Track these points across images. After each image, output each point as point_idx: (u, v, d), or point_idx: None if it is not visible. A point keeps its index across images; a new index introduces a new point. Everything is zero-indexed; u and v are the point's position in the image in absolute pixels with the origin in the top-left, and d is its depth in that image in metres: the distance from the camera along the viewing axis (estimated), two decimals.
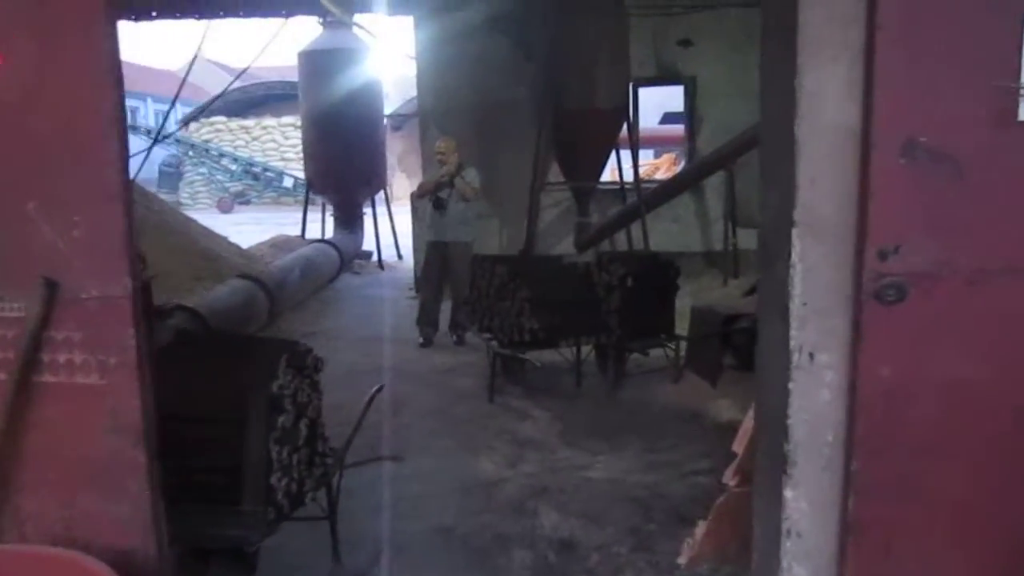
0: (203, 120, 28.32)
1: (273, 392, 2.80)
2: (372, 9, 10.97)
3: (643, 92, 10.87)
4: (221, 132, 28.09)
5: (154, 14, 11.67)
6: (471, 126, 10.61)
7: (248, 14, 11.63)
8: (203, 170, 27.59)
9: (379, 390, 4.07)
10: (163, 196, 28.20)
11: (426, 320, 7.48)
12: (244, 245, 11.83)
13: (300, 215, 13.08)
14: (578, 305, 5.44)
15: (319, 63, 11.77)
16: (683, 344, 5.97)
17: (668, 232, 10.54)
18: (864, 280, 1.82)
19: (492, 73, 10.47)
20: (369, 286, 10.99)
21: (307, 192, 12.84)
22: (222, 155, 27.30)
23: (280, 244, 11.65)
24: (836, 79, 1.81)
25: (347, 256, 11.51)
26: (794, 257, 1.88)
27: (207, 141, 27.68)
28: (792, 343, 1.90)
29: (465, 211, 7.39)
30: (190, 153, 27.70)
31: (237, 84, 31.14)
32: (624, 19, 9.31)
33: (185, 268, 7.46)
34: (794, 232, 1.87)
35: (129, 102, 26.02)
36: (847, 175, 1.83)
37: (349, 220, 12.45)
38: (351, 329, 8.23)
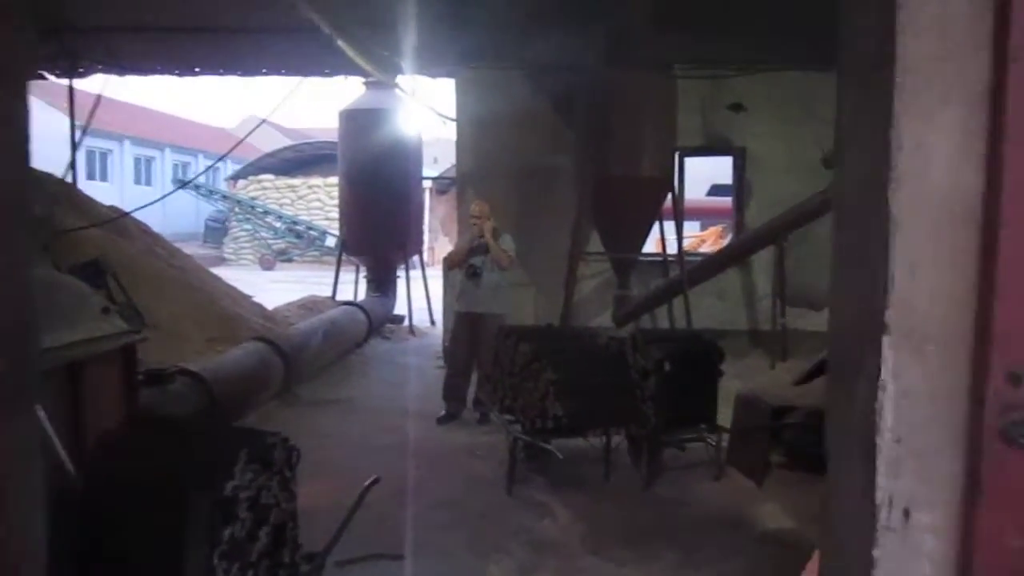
0: (251, 178, 28.67)
1: (224, 496, 2.32)
2: (414, 71, 10.73)
3: (691, 162, 10.43)
4: (268, 190, 28.32)
5: (197, 70, 11.63)
6: (510, 191, 10.28)
7: (291, 72, 11.53)
8: (248, 226, 27.72)
9: (374, 482, 3.56)
10: (207, 250, 28.84)
11: (452, 394, 6.99)
12: (280, 302, 11.54)
13: (350, 276, 12.77)
14: (609, 390, 4.89)
15: (358, 122, 11.59)
16: (725, 436, 5.39)
17: (712, 309, 10.00)
18: (986, 411, 1.29)
19: (533, 137, 10.16)
20: (398, 352, 10.55)
21: (339, 253, 12.55)
22: (267, 212, 27.43)
23: (309, 305, 11.31)
24: (948, 130, 1.31)
25: (377, 320, 11.12)
26: (884, 375, 1.35)
27: (254, 198, 27.86)
28: (879, 494, 1.36)
29: (500, 281, 6.96)
30: (236, 209, 27.88)
31: (287, 143, 31.82)
32: (672, 84, 8.94)
33: (199, 328, 7.09)
34: (885, 340, 1.35)
35: (181, 157, 26.33)
36: (963, 263, 1.32)
37: (382, 283, 12.11)
38: (372, 398, 7.76)
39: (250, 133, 8.07)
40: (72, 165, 11.63)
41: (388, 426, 6.67)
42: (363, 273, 12.72)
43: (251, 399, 6.47)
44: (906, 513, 1.36)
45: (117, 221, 8.01)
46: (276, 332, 7.68)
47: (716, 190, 21.04)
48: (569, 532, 4.49)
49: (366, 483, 3.65)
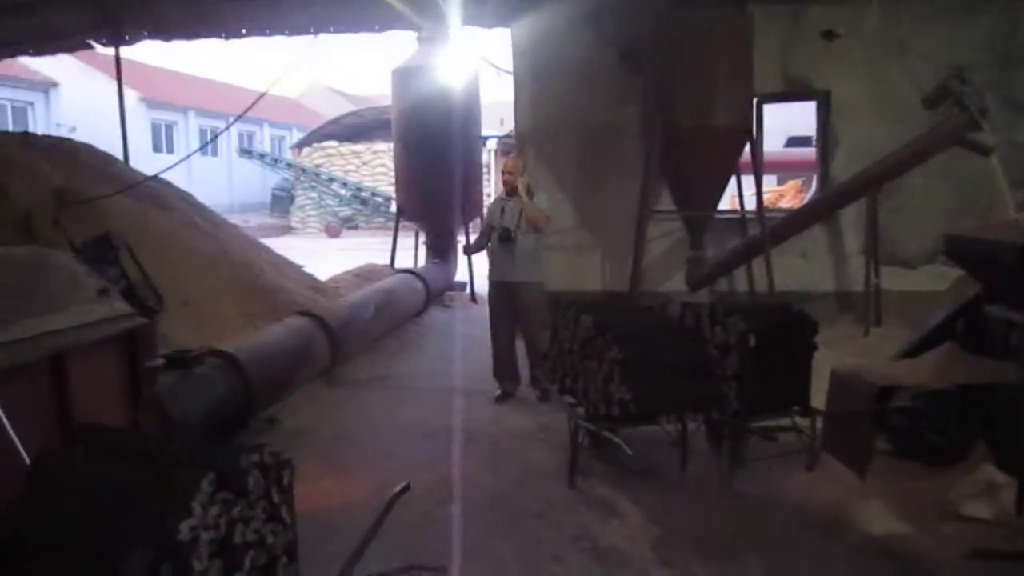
0: (315, 145, 28.46)
1: (176, 542, 1.76)
2: (466, 20, 10.05)
3: (766, 111, 9.51)
4: (332, 157, 28.09)
5: (243, 31, 11.18)
6: (572, 147, 9.61)
7: (339, 29, 11.00)
8: (313, 194, 27.56)
9: (404, 490, 2.99)
10: (274, 219, 28.82)
11: (503, 372, 6.41)
12: (344, 270, 11.11)
13: (410, 241, 12.30)
14: (684, 370, 4.21)
15: (411, 81, 10.97)
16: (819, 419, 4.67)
17: (795, 269, 9.17)
18: None
19: (595, 89, 9.42)
20: (458, 322, 10.00)
21: (397, 218, 12.03)
22: (332, 180, 27.21)
23: (365, 274, 10.84)
24: None
25: (436, 288, 10.59)
26: None
27: (318, 166, 27.65)
28: None
29: (535, 246, 6.27)
30: (301, 178, 27.73)
31: (351, 108, 31.48)
32: (747, 21, 8.07)
33: (237, 304, 6.64)
34: None
35: (246, 127, 26.21)
36: None
37: (442, 249, 11.56)
38: (426, 375, 7.23)
39: (260, 96, 7.53)
40: (123, 136, 11.37)
41: (440, 407, 6.13)
42: (422, 239, 12.21)
43: (291, 379, 6.00)
44: None
45: (156, 192, 7.59)
46: (323, 305, 7.20)
47: (793, 142, 19.92)
48: (639, 538, 3.87)
49: (395, 490, 3.09)
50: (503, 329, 6.36)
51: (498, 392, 6.40)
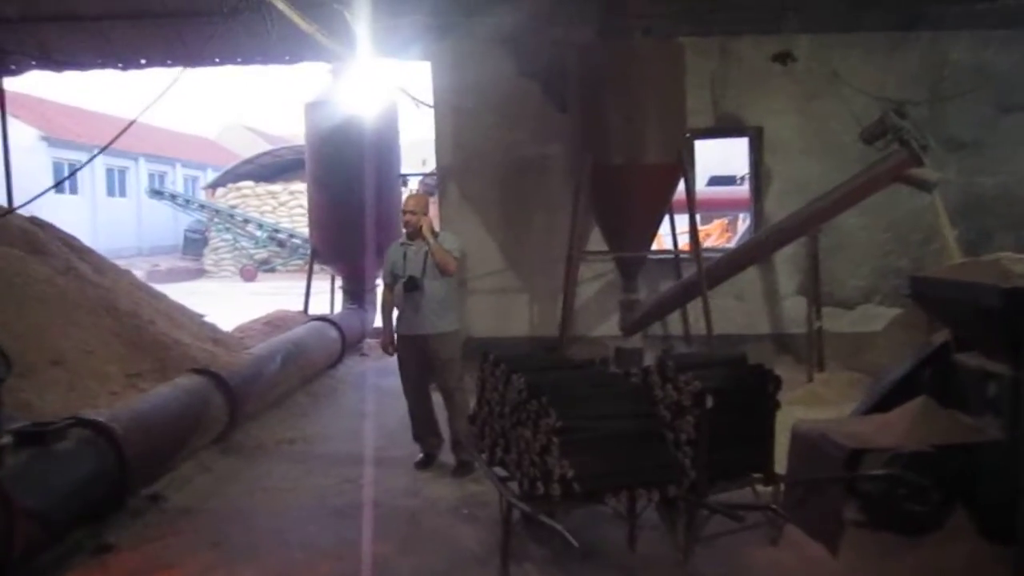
0: (231, 185, 27.42)
1: None
2: (383, 52, 9.48)
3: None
4: (248, 197, 27.08)
5: (143, 62, 10.38)
6: (497, 185, 9.11)
7: (246, 61, 10.30)
8: (228, 236, 26.43)
9: None
10: (187, 262, 27.51)
11: (423, 433, 5.73)
12: (254, 317, 10.26)
13: (326, 284, 11.53)
14: (634, 438, 3.64)
15: (323, 115, 10.31)
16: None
17: (730, 311, 8.83)
18: None
19: (520, 124, 8.96)
20: (376, 372, 9.25)
21: (311, 261, 11.28)
22: (247, 221, 26.14)
23: (276, 321, 10.03)
24: None
25: (353, 335, 9.87)
26: None
27: (233, 207, 26.56)
28: None
29: (446, 292, 5.60)
30: (215, 219, 26.57)
31: (267, 148, 30.51)
32: (678, 53, 7.70)
33: (120, 362, 5.82)
34: None
35: (158, 167, 24.94)
36: None
37: (358, 294, 10.83)
38: (338, 437, 6.49)
39: (130, 124, 6.80)
40: (7, 173, 10.39)
41: (352, 476, 5.40)
42: (339, 283, 11.46)
43: (179, 448, 5.22)
44: None
45: (34, 238, 6.74)
46: (222, 360, 6.42)
47: (714, 181, 19.89)
48: None
49: None
50: (417, 387, 5.70)
51: (419, 456, 5.71)
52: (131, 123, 6.69)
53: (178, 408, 5.32)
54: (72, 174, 25.49)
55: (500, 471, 4.07)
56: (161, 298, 7.52)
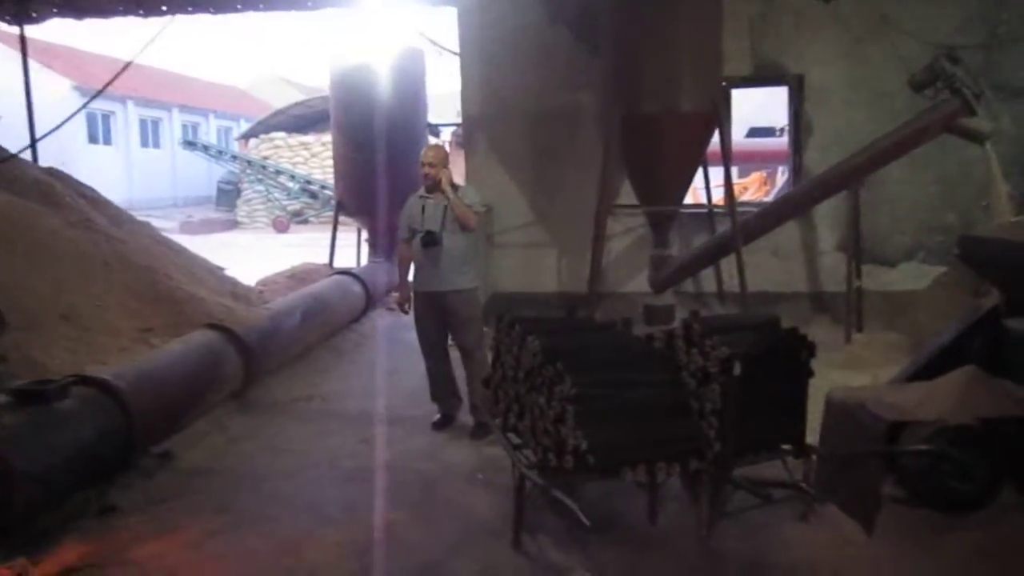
0: (263, 136, 27.28)
1: None
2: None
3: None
4: (280, 148, 26.91)
5: (164, 9, 10.15)
6: (524, 135, 8.78)
7: (268, 7, 10.04)
8: (260, 188, 26.36)
9: None
10: (220, 214, 27.55)
11: (442, 393, 5.54)
12: (279, 270, 10.14)
13: (353, 237, 11.38)
14: (655, 409, 3.39)
15: (348, 64, 10.04)
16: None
17: (766, 268, 8.45)
18: None
19: (549, 71, 8.59)
20: (401, 327, 8.99)
21: (336, 214, 11.10)
22: (280, 172, 26.03)
23: (300, 274, 9.90)
24: None
25: (377, 289, 9.69)
26: None
27: (265, 158, 26.45)
28: None
29: (465, 248, 5.36)
30: (248, 171, 26.50)
31: (301, 98, 30.24)
32: (716, 1, 7.28)
33: (133, 317, 5.69)
34: None
35: (190, 118, 24.86)
36: None
37: (384, 247, 10.63)
38: (357, 395, 6.34)
39: (125, 67, 6.67)
40: (30, 120, 10.28)
41: (368, 436, 5.24)
42: (365, 236, 11.29)
43: (191, 406, 5.09)
44: None
45: (49, 189, 6.60)
46: (239, 315, 6.28)
47: (754, 132, 19.29)
48: None
49: None
50: (435, 346, 5.49)
51: (437, 416, 5.53)
52: (125, 67, 6.55)
53: (189, 365, 5.18)
54: (61, 125, 25.35)
55: (514, 438, 3.86)
56: (181, 251, 7.38)
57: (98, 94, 7.99)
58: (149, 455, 4.75)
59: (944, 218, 8.47)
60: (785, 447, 3.75)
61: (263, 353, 6.06)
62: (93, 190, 7.40)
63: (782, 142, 18.13)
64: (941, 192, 8.44)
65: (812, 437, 3.93)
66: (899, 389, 4.02)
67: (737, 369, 3.39)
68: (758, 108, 15.92)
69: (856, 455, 3.58)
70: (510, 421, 3.87)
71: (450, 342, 5.56)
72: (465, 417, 5.51)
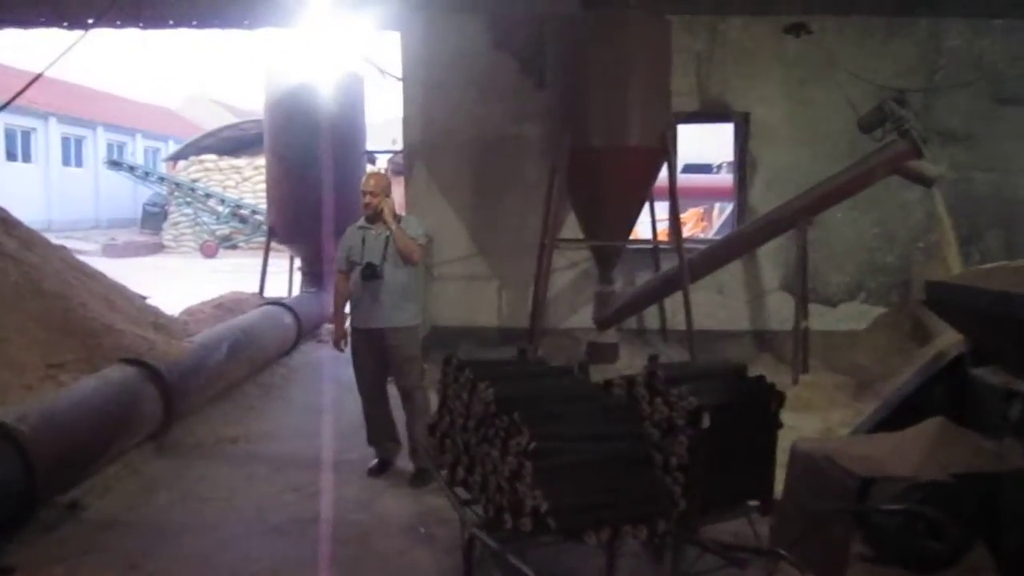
0: (192, 158, 26.50)
1: None
2: (350, 20, 8.88)
3: None
4: (211, 171, 26.15)
5: (90, 21, 9.62)
6: (468, 165, 8.54)
7: (202, 24, 9.61)
8: (188, 211, 25.56)
9: None
10: (145, 237, 26.58)
11: (379, 436, 5.19)
12: (206, 299, 9.63)
13: (285, 264, 10.93)
14: (617, 463, 3.13)
15: (283, 85, 9.69)
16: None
17: (710, 305, 8.38)
18: None
19: (495, 101, 8.39)
20: (334, 361, 8.57)
21: (268, 240, 10.66)
22: (209, 196, 25.29)
23: (228, 304, 9.42)
24: None
25: (310, 321, 9.29)
26: None
27: (195, 180, 25.65)
28: None
29: (407, 282, 5.05)
30: (175, 193, 25.65)
31: (231, 121, 29.51)
32: (665, 31, 7.19)
33: (41, 350, 5.20)
34: None
35: (117, 136, 23.94)
36: None
37: (317, 276, 10.24)
38: (286, 436, 5.94)
39: (36, 78, 6.22)
40: None
41: (298, 483, 4.86)
42: (297, 264, 10.87)
43: (103, 451, 4.64)
44: None
45: None
46: (160, 349, 5.83)
47: (688, 169, 19.49)
48: None
49: None
50: (373, 386, 5.15)
51: (374, 462, 5.18)
52: (36, 78, 6.12)
53: (102, 404, 4.73)
54: None
55: (462, 492, 3.55)
56: (98, 278, 6.87)
57: (4, 107, 7.45)
58: (54, 505, 4.30)
59: (884, 259, 8.52)
60: (752, 503, 3.53)
61: (185, 391, 5.63)
62: (2, 208, 6.86)
63: (719, 178, 18.36)
64: (882, 233, 8.48)
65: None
66: (865, 441, 3.83)
67: (706, 421, 3.16)
68: (691, 144, 16.08)
69: (828, 512, 3.37)
70: (458, 474, 3.56)
71: (389, 380, 5.24)
72: (404, 462, 5.17)
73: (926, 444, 3.55)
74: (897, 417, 4.00)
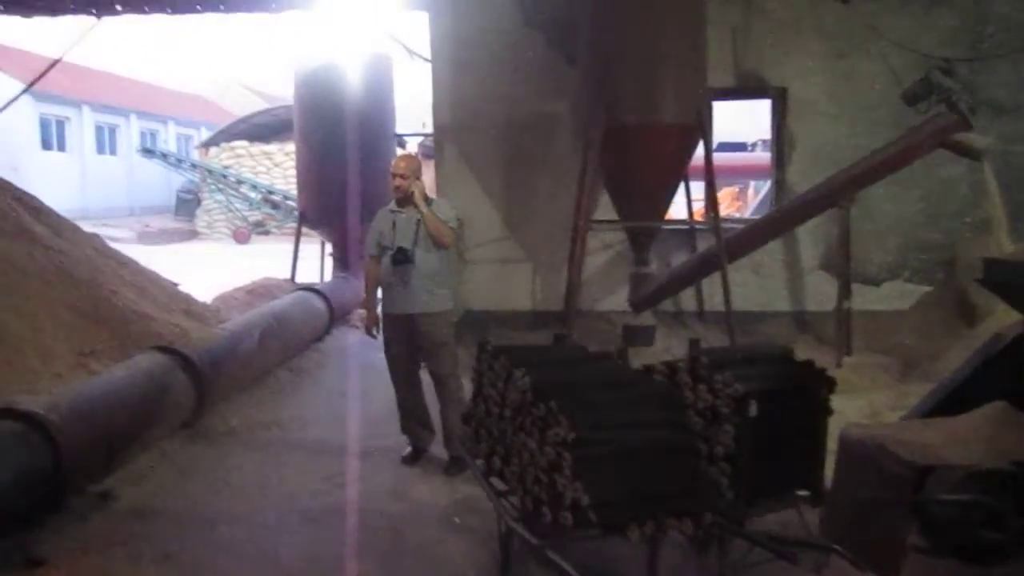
0: (224, 145, 26.60)
1: None
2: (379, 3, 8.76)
3: None
4: (242, 157, 26.24)
5: (118, 8, 9.62)
6: (498, 146, 8.38)
7: (229, 9, 9.56)
8: (221, 197, 25.69)
9: None
10: (179, 223, 26.79)
11: (412, 424, 5.10)
12: (238, 285, 9.63)
13: (316, 250, 10.91)
14: (660, 454, 2.99)
15: (312, 70, 9.59)
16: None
17: (747, 287, 8.17)
18: None
19: (524, 79, 8.22)
20: (367, 346, 8.53)
21: (299, 226, 10.61)
22: (241, 182, 25.38)
23: (260, 290, 9.41)
24: None
25: (342, 306, 9.23)
26: None
27: (227, 167, 25.76)
28: None
29: (438, 266, 4.93)
30: (208, 179, 25.80)
31: (263, 107, 29.54)
32: (699, 5, 6.97)
33: (72, 338, 5.18)
34: None
35: (149, 124, 24.11)
36: None
37: (348, 261, 10.18)
38: (318, 423, 5.88)
39: (53, 64, 6.15)
40: None
41: (331, 471, 4.79)
42: (329, 249, 10.83)
43: (134, 440, 4.59)
44: None
45: None
46: (192, 336, 5.78)
47: (722, 147, 19.20)
48: None
49: None
50: (406, 373, 5.05)
51: (407, 450, 5.09)
52: (54, 63, 6.04)
53: (133, 392, 4.69)
54: None
55: (498, 483, 3.43)
56: (129, 265, 6.85)
57: (25, 90, 7.44)
58: (86, 495, 4.26)
59: (928, 236, 8.24)
60: (801, 493, 3.37)
61: (217, 377, 5.58)
62: (33, 196, 6.85)
63: (755, 156, 18.02)
64: (925, 209, 8.20)
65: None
66: (920, 427, 3.65)
67: (754, 409, 3.01)
68: (725, 122, 15.80)
69: (881, 503, 3.21)
70: (494, 464, 3.45)
71: (422, 366, 5.14)
72: (437, 449, 5.08)
73: (986, 430, 3.37)
74: (952, 402, 3.82)
